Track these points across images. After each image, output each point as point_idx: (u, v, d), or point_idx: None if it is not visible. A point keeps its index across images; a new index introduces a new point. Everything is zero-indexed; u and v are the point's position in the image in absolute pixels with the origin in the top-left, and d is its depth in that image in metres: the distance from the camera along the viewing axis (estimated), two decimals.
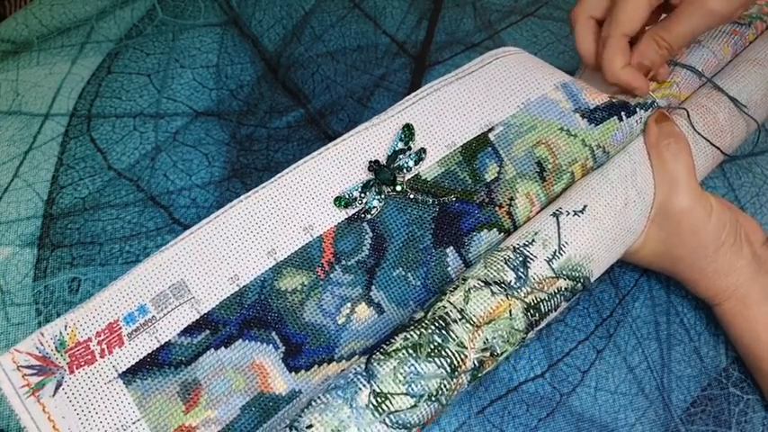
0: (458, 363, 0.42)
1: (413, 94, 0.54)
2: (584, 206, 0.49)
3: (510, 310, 0.44)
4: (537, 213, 0.52)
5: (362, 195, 0.50)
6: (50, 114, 0.67)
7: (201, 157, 0.66)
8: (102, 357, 0.45)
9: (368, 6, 0.75)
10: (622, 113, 0.53)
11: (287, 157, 0.66)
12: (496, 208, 0.51)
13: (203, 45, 0.72)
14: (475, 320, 0.43)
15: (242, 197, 0.50)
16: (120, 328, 0.45)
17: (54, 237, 0.61)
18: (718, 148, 0.57)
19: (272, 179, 0.50)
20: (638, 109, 0.54)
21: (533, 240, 0.48)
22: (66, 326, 0.45)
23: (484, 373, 0.44)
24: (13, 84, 0.69)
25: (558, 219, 0.49)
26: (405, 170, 0.51)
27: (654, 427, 0.56)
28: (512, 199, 0.51)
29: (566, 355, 0.58)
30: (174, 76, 0.70)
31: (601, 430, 0.55)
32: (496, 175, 0.52)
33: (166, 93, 0.69)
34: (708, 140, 0.56)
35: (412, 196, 0.51)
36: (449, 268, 0.49)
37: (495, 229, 0.50)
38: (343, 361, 0.47)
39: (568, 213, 0.49)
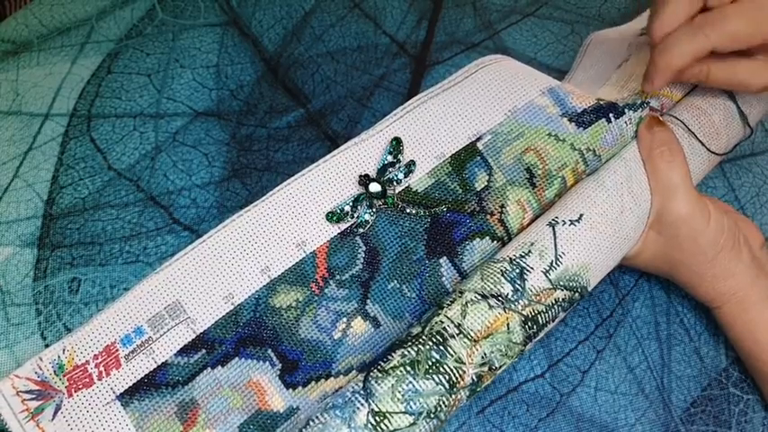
0: (456, 379, 0.42)
1: (400, 107, 0.54)
2: (581, 215, 0.49)
3: (508, 324, 0.44)
4: (529, 220, 0.52)
5: (354, 210, 0.50)
6: (50, 114, 0.67)
7: (201, 157, 0.66)
8: (99, 380, 0.45)
9: (368, 6, 0.75)
10: (610, 115, 0.53)
11: (287, 157, 0.66)
12: (488, 216, 0.51)
13: (203, 45, 0.72)
14: (473, 335, 0.43)
15: (234, 216, 0.50)
16: (118, 350, 0.46)
17: (54, 237, 0.61)
18: (716, 153, 0.56)
19: (264, 197, 0.51)
20: (626, 110, 0.53)
21: (530, 251, 0.47)
22: (64, 349, 0.46)
23: (482, 387, 0.44)
24: (13, 84, 0.69)
25: (554, 229, 0.49)
26: (395, 183, 0.51)
27: (654, 427, 0.56)
28: (503, 207, 0.51)
29: (566, 355, 0.58)
30: (174, 76, 0.70)
31: (601, 430, 0.56)
32: (486, 183, 0.52)
33: (166, 93, 0.69)
34: (704, 145, 0.55)
35: (403, 208, 0.51)
36: (443, 279, 0.50)
37: (487, 238, 0.50)
38: (341, 376, 0.47)
39: (564, 223, 0.49)
